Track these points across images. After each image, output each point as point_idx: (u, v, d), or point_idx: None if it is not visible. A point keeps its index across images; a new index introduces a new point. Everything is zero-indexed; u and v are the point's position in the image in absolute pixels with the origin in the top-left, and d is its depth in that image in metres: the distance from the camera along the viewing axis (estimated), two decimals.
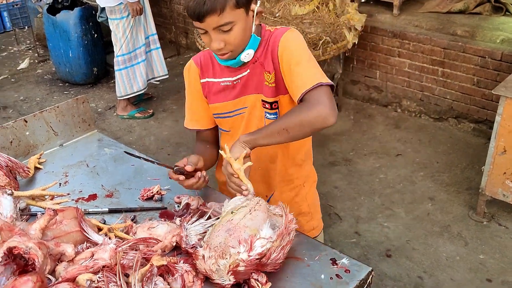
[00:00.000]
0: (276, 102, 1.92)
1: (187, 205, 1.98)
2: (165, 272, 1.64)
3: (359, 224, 4.10)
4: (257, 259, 1.59)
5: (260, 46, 1.86)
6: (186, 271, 1.64)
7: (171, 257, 1.70)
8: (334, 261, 1.74)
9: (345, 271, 1.70)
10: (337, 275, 1.68)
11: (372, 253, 3.79)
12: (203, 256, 1.64)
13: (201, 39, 5.09)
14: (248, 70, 1.90)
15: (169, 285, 1.63)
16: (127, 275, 1.59)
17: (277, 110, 1.95)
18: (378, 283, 3.55)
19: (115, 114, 5.99)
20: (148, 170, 2.28)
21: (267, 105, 1.93)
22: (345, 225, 4.09)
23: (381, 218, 4.15)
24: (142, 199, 2.08)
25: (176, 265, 1.66)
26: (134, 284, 1.51)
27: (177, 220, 1.92)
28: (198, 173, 1.90)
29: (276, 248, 1.60)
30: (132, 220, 1.94)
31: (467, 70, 4.96)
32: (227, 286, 1.61)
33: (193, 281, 1.64)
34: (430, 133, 5.26)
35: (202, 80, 2.00)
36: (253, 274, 1.63)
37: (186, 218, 1.92)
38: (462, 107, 5.17)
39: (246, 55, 1.83)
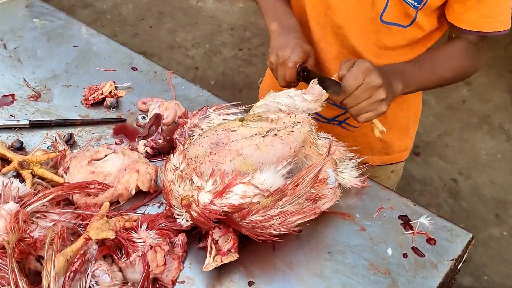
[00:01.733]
0: None
1: (157, 117, 1.21)
2: (113, 250, 0.92)
3: None
4: (224, 212, 0.90)
5: None
6: (151, 247, 0.92)
7: (125, 216, 0.97)
8: (406, 222, 1.02)
9: (427, 240, 0.99)
10: (414, 250, 0.97)
11: None
12: (171, 164, 0.99)
13: None
14: None
15: (121, 271, 0.92)
16: (40, 260, 0.87)
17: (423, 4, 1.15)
18: (404, 187, 2.97)
19: None
20: (100, 54, 1.47)
21: None
22: None
23: None
24: (86, 104, 1.30)
25: (134, 235, 0.93)
26: (48, 285, 0.79)
27: (140, 145, 1.16)
28: None
29: (262, 209, 0.88)
30: (66, 142, 1.18)
31: None
32: (181, 225, 0.97)
33: (165, 263, 0.93)
34: None
35: None
36: (216, 230, 0.94)
37: (156, 140, 1.16)
38: None
39: None
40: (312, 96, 1.09)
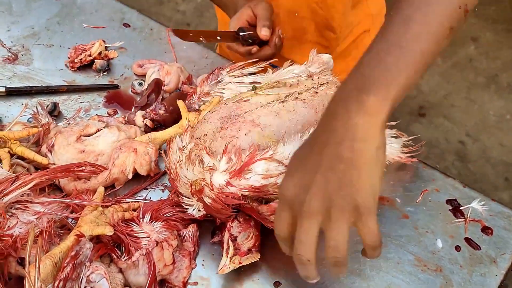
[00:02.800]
0: None
1: (157, 83, 1.03)
2: (111, 248, 0.76)
3: None
4: (243, 196, 0.75)
5: None
6: (158, 243, 0.76)
7: (124, 204, 0.81)
8: (456, 207, 0.87)
9: (482, 229, 0.84)
10: (468, 241, 0.83)
11: (401, 112, 3.02)
12: (175, 144, 0.83)
13: None
14: None
15: (121, 273, 0.76)
16: (22, 263, 0.71)
17: None
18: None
19: None
20: (86, 8, 1.27)
21: None
22: None
23: None
24: (72, 67, 1.11)
25: (135, 228, 0.77)
26: None
27: (138, 116, 0.98)
28: (274, 36, 1.08)
29: None
30: (50, 113, 1.00)
31: None
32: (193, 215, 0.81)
33: (173, 261, 0.77)
34: None
35: None
36: (235, 223, 0.80)
37: (156, 110, 0.99)
38: None
39: None
40: (318, 66, 0.93)
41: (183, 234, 0.82)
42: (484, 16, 3.67)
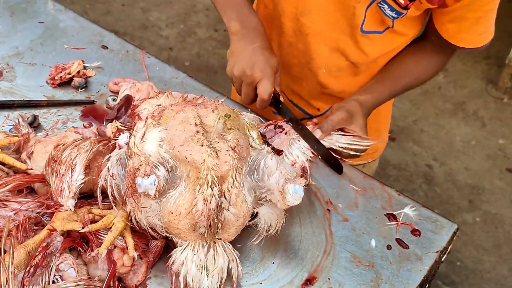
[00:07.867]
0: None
1: (128, 98, 1.14)
2: (79, 242, 0.86)
3: None
4: None
5: None
6: (115, 246, 0.85)
7: (94, 209, 0.91)
8: (390, 212, 0.98)
9: (411, 231, 0.95)
10: (398, 241, 0.94)
11: None
12: None
13: None
14: None
15: (85, 266, 0.85)
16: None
17: (405, 12, 1.09)
18: (379, 172, 2.93)
19: None
20: (67, 31, 1.38)
21: None
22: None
23: None
24: (52, 84, 1.22)
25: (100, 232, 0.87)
26: (6, 280, 0.73)
27: (108, 128, 1.09)
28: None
29: None
30: (30, 124, 1.10)
31: None
32: None
33: (132, 264, 0.86)
34: None
35: None
36: None
37: (125, 123, 1.09)
38: None
39: None
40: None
41: (150, 244, 0.91)
42: None
